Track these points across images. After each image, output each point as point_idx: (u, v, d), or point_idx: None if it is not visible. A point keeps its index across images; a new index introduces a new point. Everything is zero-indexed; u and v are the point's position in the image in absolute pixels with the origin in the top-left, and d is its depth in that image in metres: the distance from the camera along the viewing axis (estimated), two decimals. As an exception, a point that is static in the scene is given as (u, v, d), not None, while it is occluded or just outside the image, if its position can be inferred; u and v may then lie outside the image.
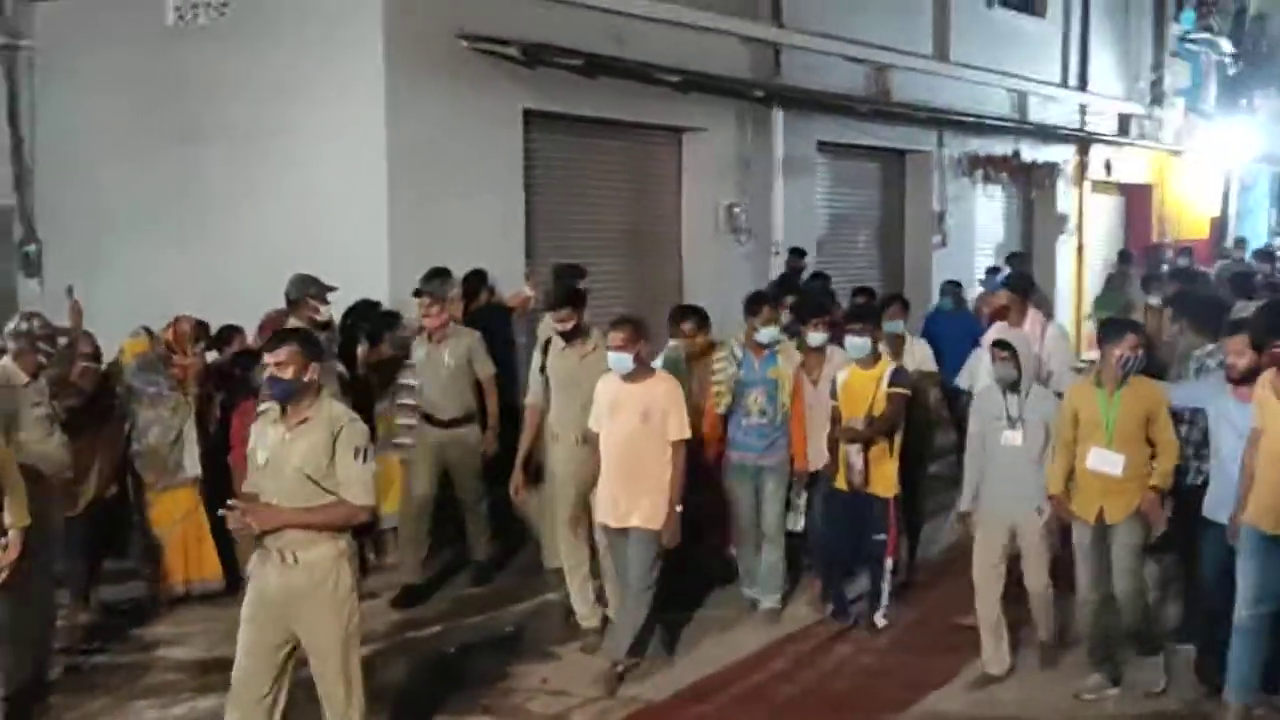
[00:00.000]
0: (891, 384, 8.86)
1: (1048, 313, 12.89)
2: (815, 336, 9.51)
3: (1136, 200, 27.21)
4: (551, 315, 9.31)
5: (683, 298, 13.77)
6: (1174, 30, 27.22)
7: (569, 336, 8.96)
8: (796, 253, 16.05)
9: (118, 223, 12.87)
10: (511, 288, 12.18)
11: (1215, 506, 7.69)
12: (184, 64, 12.52)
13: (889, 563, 9.01)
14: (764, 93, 15.75)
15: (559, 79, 13.00)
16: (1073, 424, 7.85)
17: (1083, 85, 23.72)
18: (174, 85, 12.53)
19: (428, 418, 10.05)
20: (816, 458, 9.35)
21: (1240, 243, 24.80)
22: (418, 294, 10.28)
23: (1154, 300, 13.96)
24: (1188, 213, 27.95)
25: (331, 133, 11.76)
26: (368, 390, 10.48)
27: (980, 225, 20.92)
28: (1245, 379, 7.50)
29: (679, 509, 8.06)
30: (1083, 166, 23.99)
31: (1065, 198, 23.44)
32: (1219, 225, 28.05)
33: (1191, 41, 28.11)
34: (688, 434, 8.15)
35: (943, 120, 19.20)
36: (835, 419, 9.00)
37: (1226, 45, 29.19)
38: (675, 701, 8.03)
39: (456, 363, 9.99)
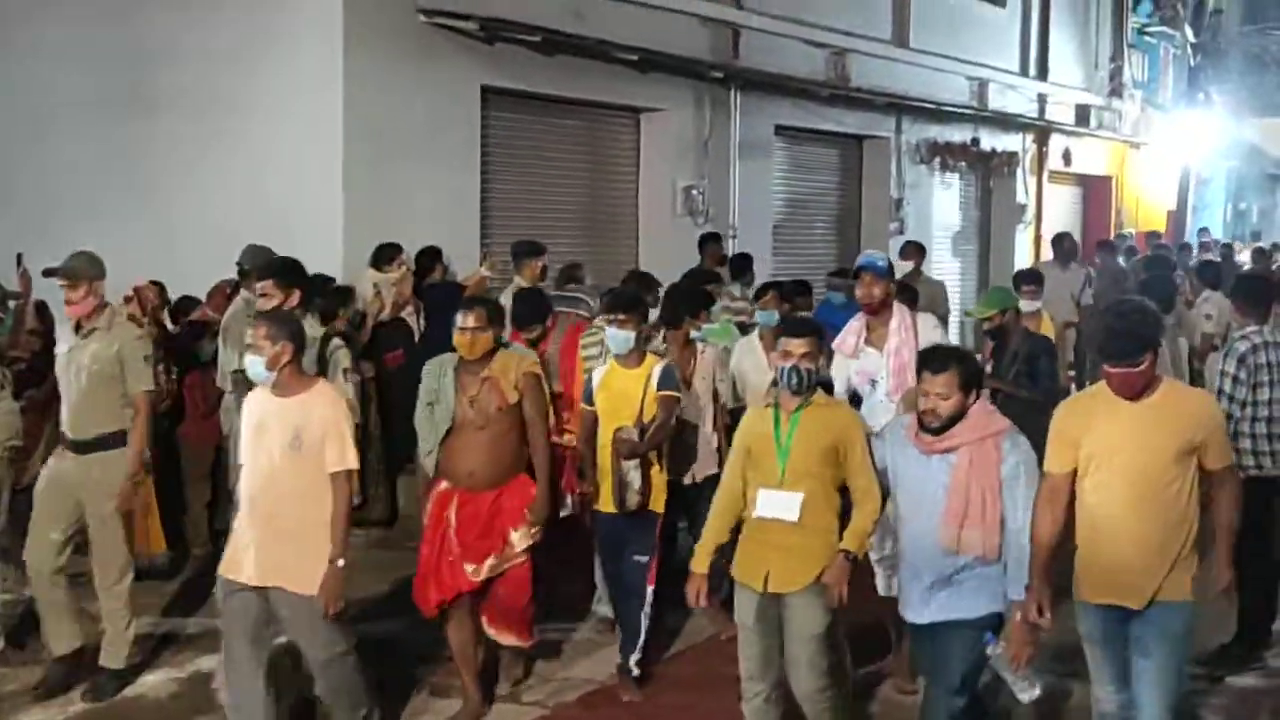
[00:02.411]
0: (661, 386, 7.47)
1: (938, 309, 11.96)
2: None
3: (1095, 191, 27.31)
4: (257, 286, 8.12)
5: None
6: (1132, 22, 27.35)
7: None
8: (710, 239, 14.42)
9: (68, 192, 12.70)
10: (466, 265, 12.10)
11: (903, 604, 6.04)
12: (138, 32, 12.40)
13: (649, 592, 7.47)
14: (722, 74, 15.68)
15: (517, 55, 12.94)
16: (744, 458, 6.22)
17: (1042, 74, 23.74)
18: (127, 54, 12.41)
19: (64, 438, 7.71)
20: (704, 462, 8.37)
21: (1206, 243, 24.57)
22: (48, 274, 7.59)
23: (1025, 305, 10.87)
24: (1145, 205, 28.15)
25: (287, 105, 11.69)
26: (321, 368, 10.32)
27: (938, 213, 20.92)
28: (946, 427, 5.75)
29: (340, 563, 6.34)
30: (1041, 156, 24.01)
31: (1023, 187, 23.48)
32: (1176, 219, 28.23)
33: (1149, 34, 28.26)
34: (352, 464, 6.43)
35: (901, 106, 19.18)
36: (590, 426, 7.62)
37: (1189, 33, 29.33)
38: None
39: (101, 367, 7.45)
